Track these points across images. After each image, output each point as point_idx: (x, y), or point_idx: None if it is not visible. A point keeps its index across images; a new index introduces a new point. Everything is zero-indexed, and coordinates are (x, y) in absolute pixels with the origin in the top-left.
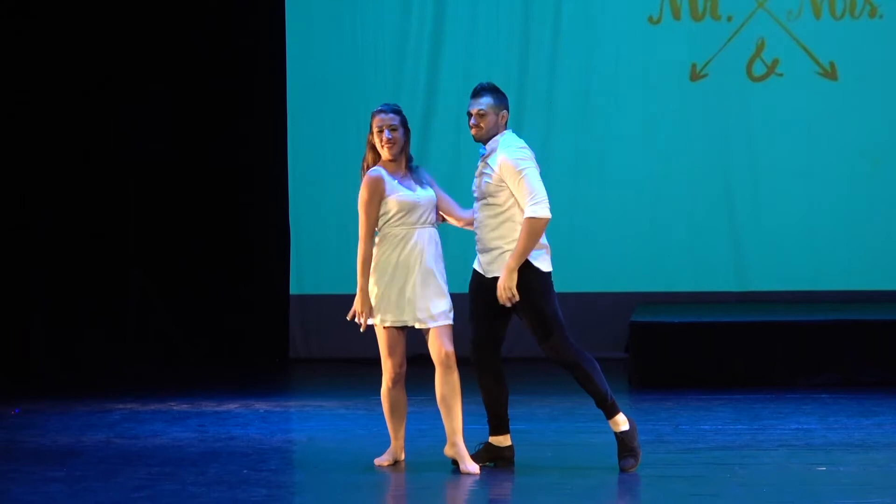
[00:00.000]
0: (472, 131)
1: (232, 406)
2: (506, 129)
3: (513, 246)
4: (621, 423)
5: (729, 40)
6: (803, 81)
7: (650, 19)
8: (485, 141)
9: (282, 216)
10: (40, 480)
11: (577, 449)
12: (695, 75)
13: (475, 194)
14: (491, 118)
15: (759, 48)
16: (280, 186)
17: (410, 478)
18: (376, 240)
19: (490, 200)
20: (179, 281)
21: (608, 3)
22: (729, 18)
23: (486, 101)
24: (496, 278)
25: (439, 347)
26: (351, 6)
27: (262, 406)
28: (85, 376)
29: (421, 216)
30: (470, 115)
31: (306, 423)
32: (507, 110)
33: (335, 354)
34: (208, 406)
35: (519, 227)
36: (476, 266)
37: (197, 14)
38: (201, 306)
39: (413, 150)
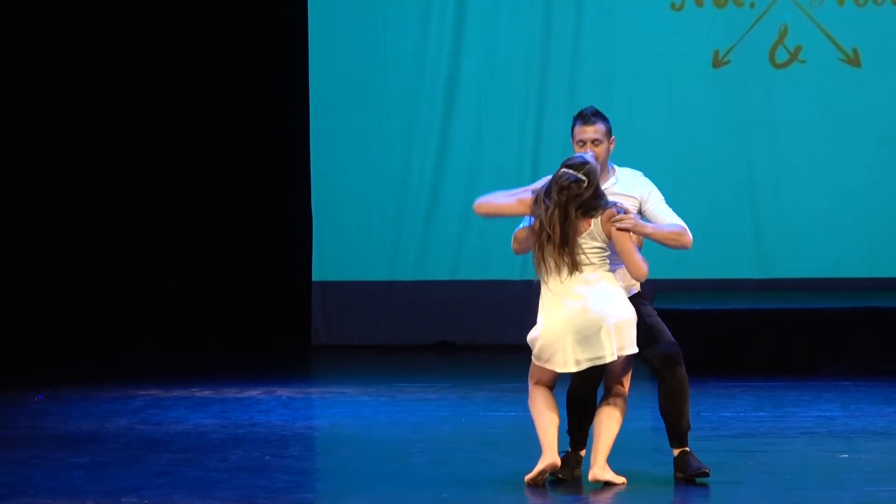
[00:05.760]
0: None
1: (254, 392)
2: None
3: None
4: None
5: (752, 27)
6: (826, 68)
7: (673, 6)
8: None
9: (304, 202)
10: (63, 466)
11: None
12: (717, 62)
13: None
14: (604, 146)
15: (782, 35)
16: (302, 173)
17: (432, 469)
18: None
19: None
20: (201, 267)
21: None
22: (752, 5)
23: (601, 128)
24: None
25: None
26: None
27: (284, 392)
28: (108, 363)
29: None
30: (583, 142)
31: (328, 409)
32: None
33: (357, 341)
34: (231, 392)
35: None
36: None
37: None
38: (223, 293)
39: (434, 142)
